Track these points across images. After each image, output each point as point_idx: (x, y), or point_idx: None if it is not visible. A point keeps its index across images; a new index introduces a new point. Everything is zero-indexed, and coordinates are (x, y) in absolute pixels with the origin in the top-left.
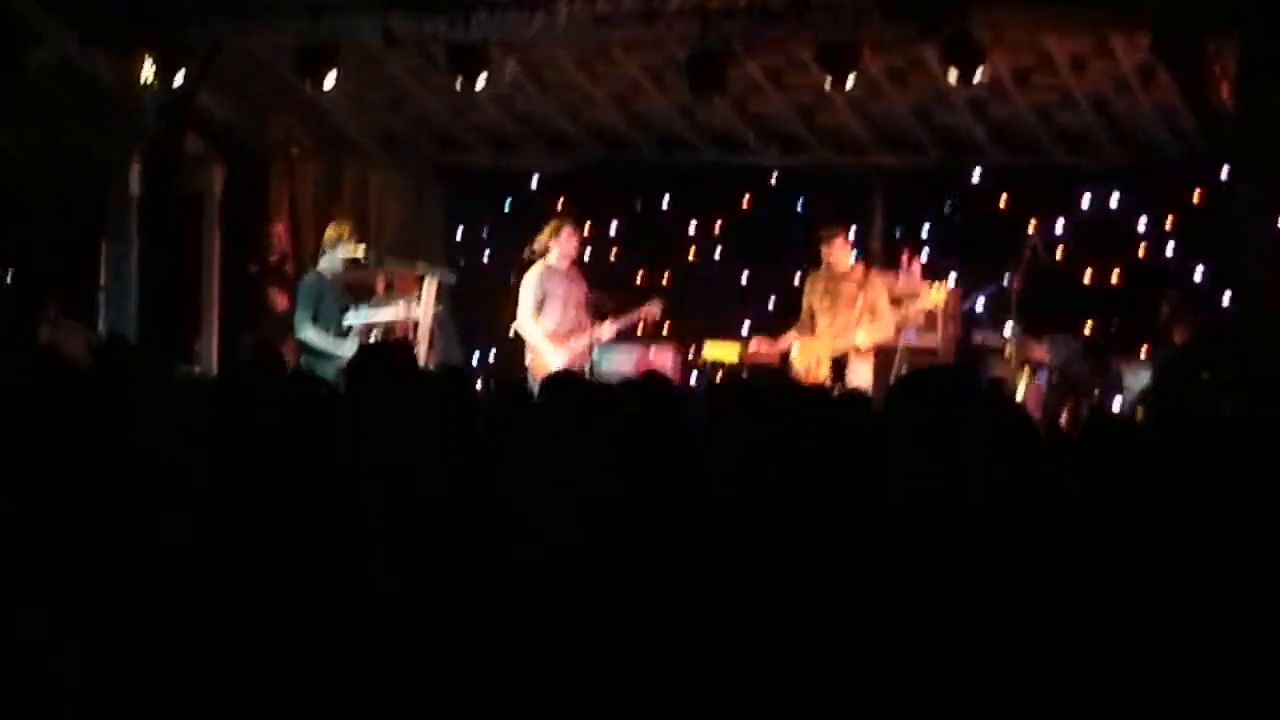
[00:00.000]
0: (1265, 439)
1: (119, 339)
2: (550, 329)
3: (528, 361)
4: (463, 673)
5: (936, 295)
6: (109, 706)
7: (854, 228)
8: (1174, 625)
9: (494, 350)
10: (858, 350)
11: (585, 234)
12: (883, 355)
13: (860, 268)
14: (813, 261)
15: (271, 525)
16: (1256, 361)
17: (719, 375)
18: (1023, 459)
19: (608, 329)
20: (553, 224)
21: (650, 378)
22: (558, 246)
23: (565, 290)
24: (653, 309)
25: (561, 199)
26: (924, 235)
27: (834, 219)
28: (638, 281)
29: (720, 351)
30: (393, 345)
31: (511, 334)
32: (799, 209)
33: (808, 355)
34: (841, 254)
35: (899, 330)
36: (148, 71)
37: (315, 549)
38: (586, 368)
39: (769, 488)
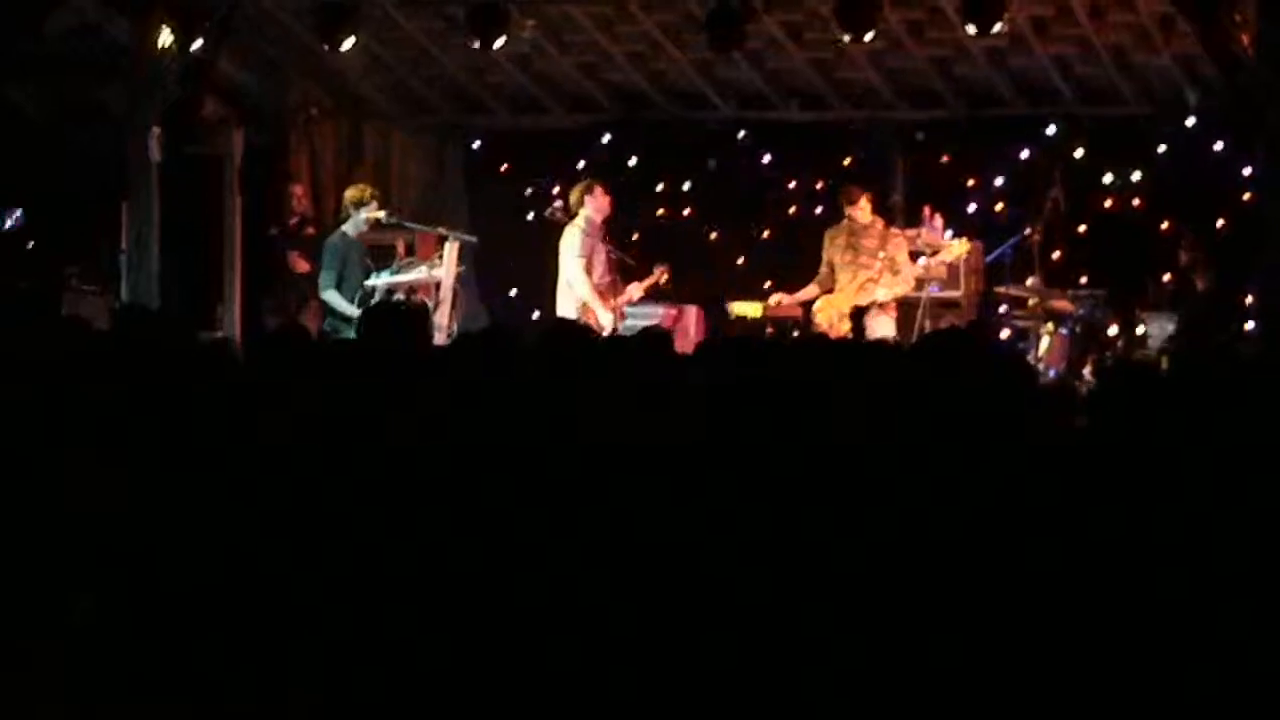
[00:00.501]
0: None
1: (138, 306)
2: (596, 285)
3: (578, 318)
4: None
5: (959, 248)
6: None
7: (873, 183)
8: (1194, 581)
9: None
10: (879, 305)
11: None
12: (905, 308)
13: (880, 222)
14: (834, 216)
15: (304, 494)
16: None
17: (739, 330)
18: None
19: (636, 290)
20: (583, 184)
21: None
22: (591, 206)
23: (600, 250)
24: (661, 272)
25: (583, 159)
26: (944, 188)
27: (855, 174)
28: (657, 239)
29: (744, 308)
30: (404, 307)
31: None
32: (821, 164)
33: (829, 310)
34: (862, 209)
35: (922, 284)
36: (166, 35)
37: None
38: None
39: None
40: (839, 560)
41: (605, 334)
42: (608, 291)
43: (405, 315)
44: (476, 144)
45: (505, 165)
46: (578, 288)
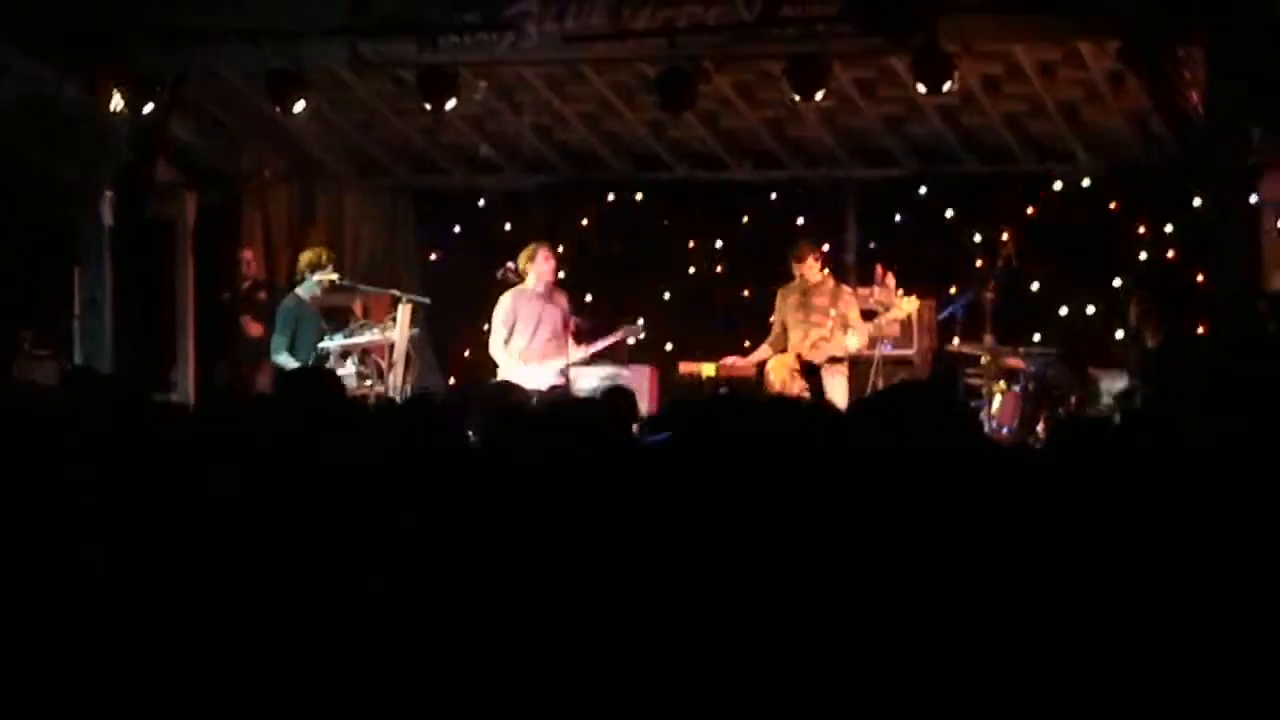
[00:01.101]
0: (1239, 443)
1: (89, 369)
2: (521, 350)
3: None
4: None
5: (909, 305)
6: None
7: (826, 242)
8: (1146, 626)
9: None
10: (833, 361)
11: (560, 253)
12: (858, 367)
13: (831, 280)
14: (784, 275)
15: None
16: (1233, 365)
17: (694, 392)
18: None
19: (581, 352)
20: (529, 248)
21: (614, 394)
22: (533, 270)
23: (539, 313)
24: (632, 330)
25: (534, 219)
26: (897, 247)
27: (808, 232)
28: (615, 300)
29: (695, 369)
30: (319, 370)
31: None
32: (773, 223)
33: (781, 369)
34: (812, 268)
35: (874, 342)
36: (117, 100)
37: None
38: (565, 387)
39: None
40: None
41: (540, 392)
42: (548, 352)
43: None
44: (429, 205)
45: (458, 226)
46: (494, 353)
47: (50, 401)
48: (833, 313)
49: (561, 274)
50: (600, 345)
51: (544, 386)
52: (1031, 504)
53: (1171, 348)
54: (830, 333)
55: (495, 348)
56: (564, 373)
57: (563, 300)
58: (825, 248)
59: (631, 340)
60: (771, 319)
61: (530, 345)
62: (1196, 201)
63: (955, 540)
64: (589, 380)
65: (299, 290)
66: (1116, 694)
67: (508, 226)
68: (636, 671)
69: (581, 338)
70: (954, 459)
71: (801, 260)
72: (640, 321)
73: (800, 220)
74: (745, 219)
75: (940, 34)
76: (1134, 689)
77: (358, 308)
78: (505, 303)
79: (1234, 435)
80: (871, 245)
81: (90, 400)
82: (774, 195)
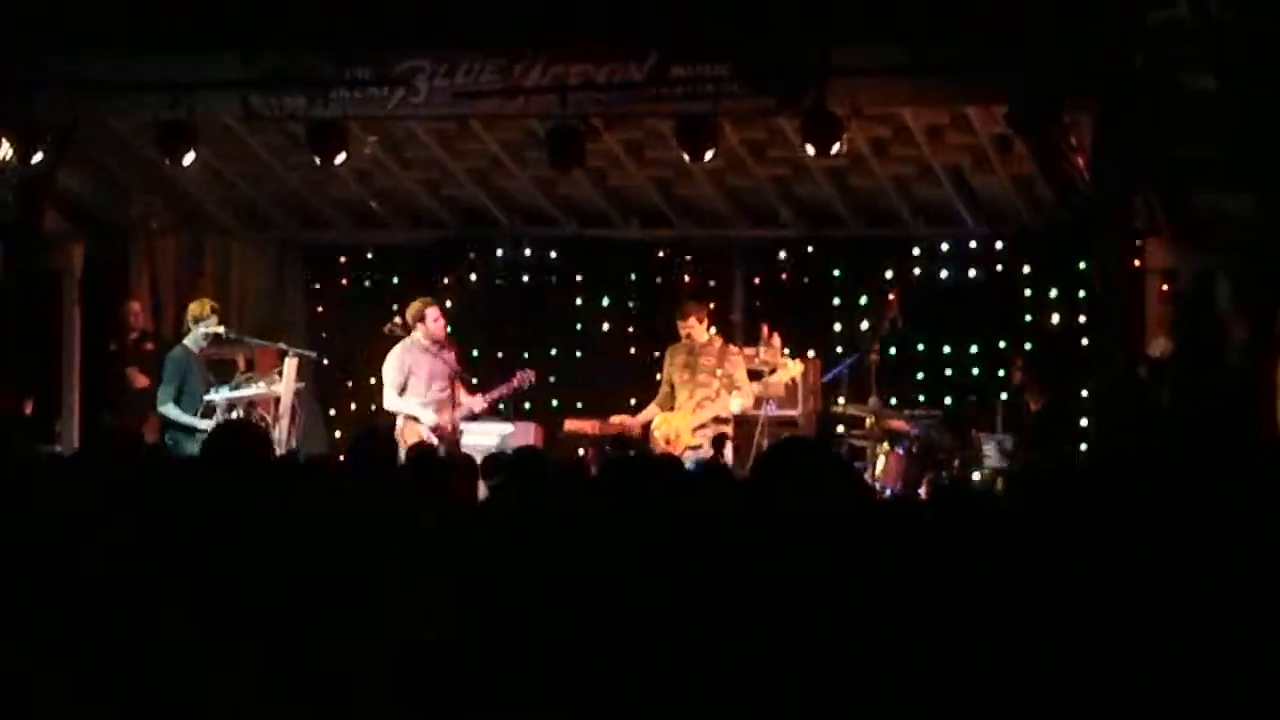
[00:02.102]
0: (1117, 506)
1: None
2: (422, 403)
3: (397, 433)
4: None
5: (794, 368)
6: None
7: (713, 301)
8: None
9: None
10: (720, 420)
11: (448, 307)
12: (743, 427)
13: (719, 340)
14: (672, 334)
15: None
16: (1111, 426)
17: (588, 451)
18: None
19: (478, 402)
20: (416, 304)
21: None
22: (421, 326)
23: (429, 366)
24: (526, 376)
25: (422, 274)
26: (784, 307)
27: (696, 291)
28: (502, 355)
29: (579, 425)
30: (246, 424)
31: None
32: (661, 282)
33: (666, 427)
34: (698, 328)
35: (760, 402)
36: (5, 148)
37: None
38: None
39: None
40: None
41: (432, 442)
42: (440, 404)
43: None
44: (318, 259)
45: (346, 280)
46: (389, 405)
47: None
48: (719, 373)
49: (449, 329)
50: (497, 394)
51: (438, 436)
52: (911, 563)
53: (1052, 412)
54: (716, 393)
55: (390, 400)
56: (456, 425)
57: (451, 355)
58: (711, 306)
59: (525, 386)
60: (659, 377)
61: (424, 398)
62: (1081, 265)
63: (848, 594)
64: (478, 437)
65: (186, 341)
66: None
67: (395, 281)
68: None
69: (474, 390)
70: (844, 518)
71: (685, 319)
72: (528, 372)
73: (687, 279)
74: (633, 277)
75: (830, 96)
76: None
77: (241, 360)
78: (396, 355)
79: (1115, 502)
80: (758, 305)
81: None
82: (661, 254)
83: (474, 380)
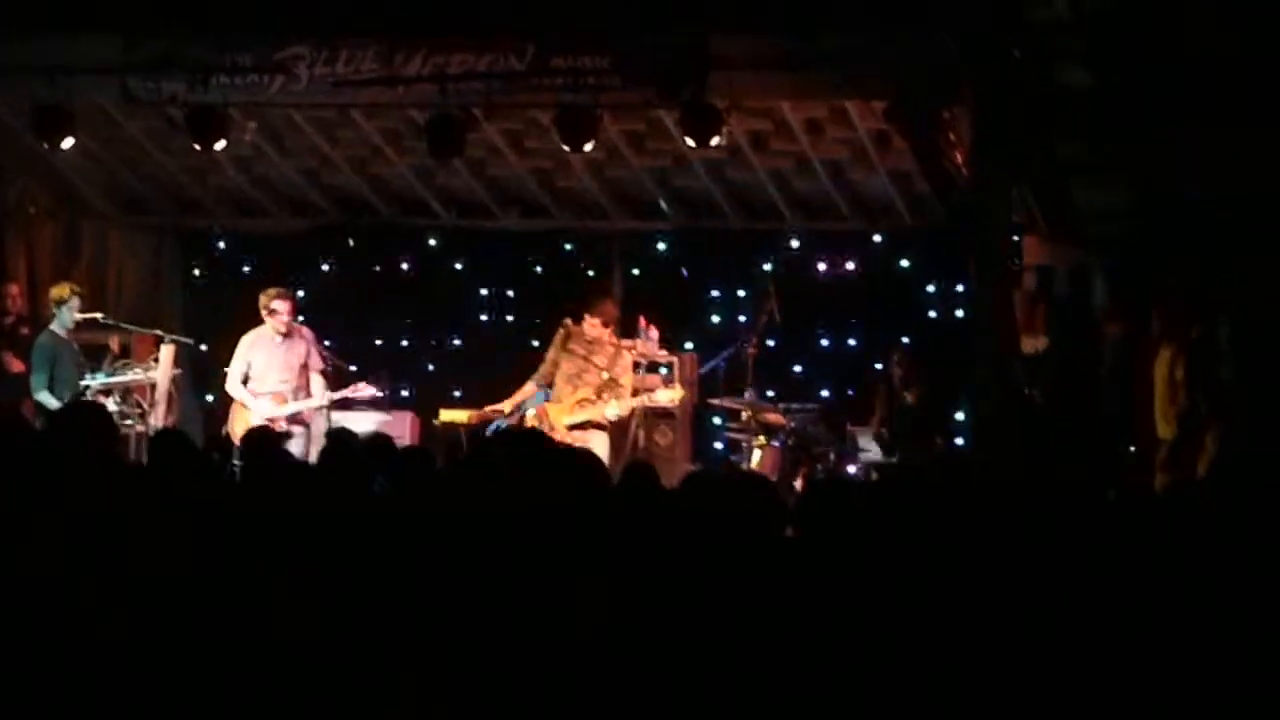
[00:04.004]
0: (989, 498)
1: None
2: (259, 391)
3: (229, 420)
4: None
5: (675, 394)
6: None
7: (589, 292)
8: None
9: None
10: (600, 423)
11: (324, 295)
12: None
13: (610, 337)
14: (554, 325)
15: None
16: (985, 420)
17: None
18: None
19: (324, 394)
20: (268, 292)
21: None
22: (270, 318)
23: (271, 356)
24: (378, 382)
25: (300, 262)
26: (662, 299)
27: (574, 283)
28: (381, 343)
29: (455, 415)
30: (90, 405)
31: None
32: (539, 273)
33: (544, 419)
34: (596, 324)
35: (636, 393)
36: None
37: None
38: (311, 428)
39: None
40: None
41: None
42: (284, 394)
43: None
44: (196, 246)
45: (223, 267)
46: (230, 389)
47: None
48: (605, 376)
49: (326, 319)
50: (341, 395)
51: (273, 422)
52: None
53: (927, 406)
54: (596, 395)
55: (232, 385)
56: (311, 414)
57: (302, 348)
58: (607, 300)
59: (374, 394)
60: (548, 353)
61: (265, 386)
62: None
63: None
64: (355, 425)
65: (52, 326)
66: None
67: (272, 269)
68: None
69: (339, 379)
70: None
71: (593, 314)
72: (380, 376)
73: (566, 270)
74: (512, 267)
75: (710, 89)
76: None
77: (115, 345)
78: (244, 343)
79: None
80: (636, 297)
81: None
82: (542, 245)
83: (352, 368)
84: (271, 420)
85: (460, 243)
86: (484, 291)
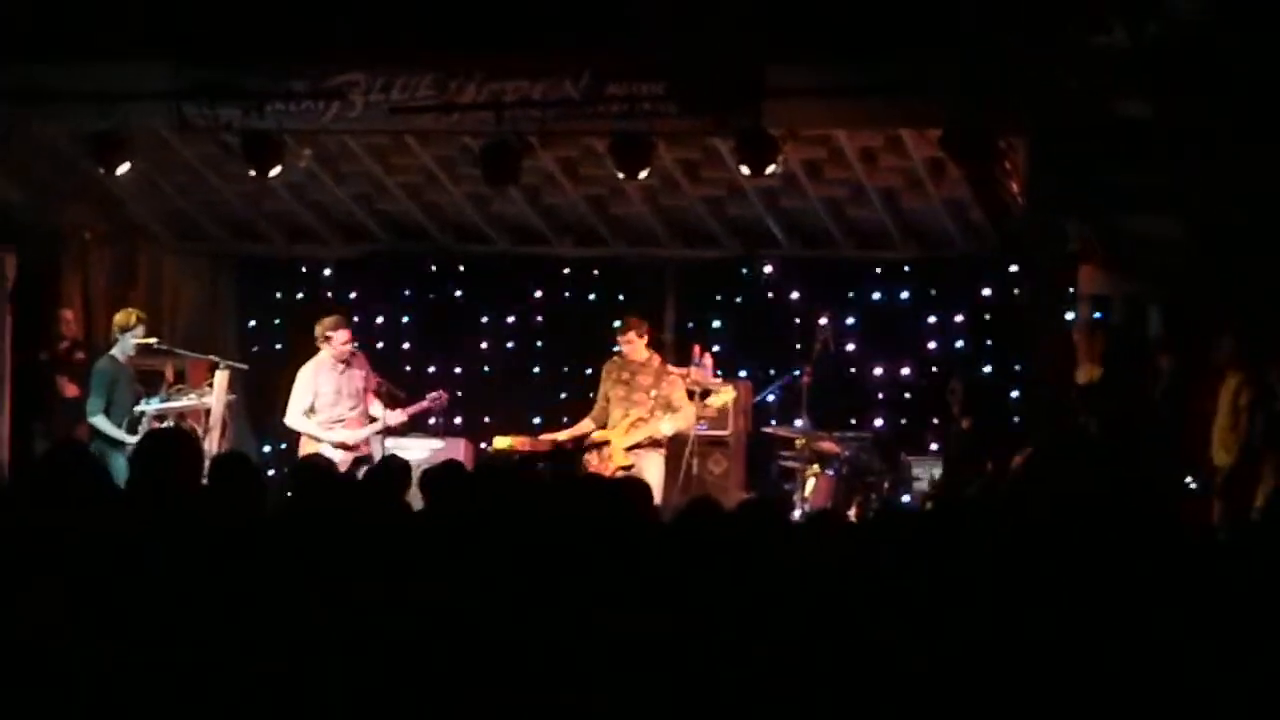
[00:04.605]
0: (1038, 531)
1: None
2: (322, 420)
3: (301, 451)
4: None
5: (727, 395)
6: None
7: (647, 320)
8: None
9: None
10: (657, 440)
11: (380, 321)
12: (674, 445)
13: (656, 359)
14: (607, 352)
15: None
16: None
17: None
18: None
19: (397, 416)
20: (325, 321)
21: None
22: (328, 346)
23: (336, 384)
24: (438, 399)
25: (356, 288)
26: (716, 327)
27: (628, 311)
28: (433, 370)
29: (505, 443)
30: (177, 433)
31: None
32: (593, 300)
33: (603, 449)
34: (637, 344)
35: (692, 421)
36: None
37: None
38: (376, 455)
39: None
40: None
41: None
42: (349, 420)
43: (178, 442)
44: (250, 270)
45: (278, 292)
46: (292, 423)
47: None
48: (654, 394)
49: (380, 344)
50: (412, 410)
51: (344, 453)
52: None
53: (981, 435)
54: (650, 413)
55: (291, 418)
56: (371, 440)
57: (360, 373)
58: (644, 326)
59: (437, 406)
60: (593, 395)
61: (332, 414)
62: (1016, 290)
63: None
64: (407, 453)
65: (113, 352)
66: None
67: (329, 294)
68: None
69: (393, 402)
70: None
71: (625, 333)
72: (442, 392)
73: (621, 298)
74: (566, 295)
75: (765, 117)
76: None
77: (170, 372)
78: (304, 374)
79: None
80: (690, 325)
81: None
82: (595, 272)
83: (402, 394)
84: (344, 446)
85: (515, 270)
86: (539, 319)
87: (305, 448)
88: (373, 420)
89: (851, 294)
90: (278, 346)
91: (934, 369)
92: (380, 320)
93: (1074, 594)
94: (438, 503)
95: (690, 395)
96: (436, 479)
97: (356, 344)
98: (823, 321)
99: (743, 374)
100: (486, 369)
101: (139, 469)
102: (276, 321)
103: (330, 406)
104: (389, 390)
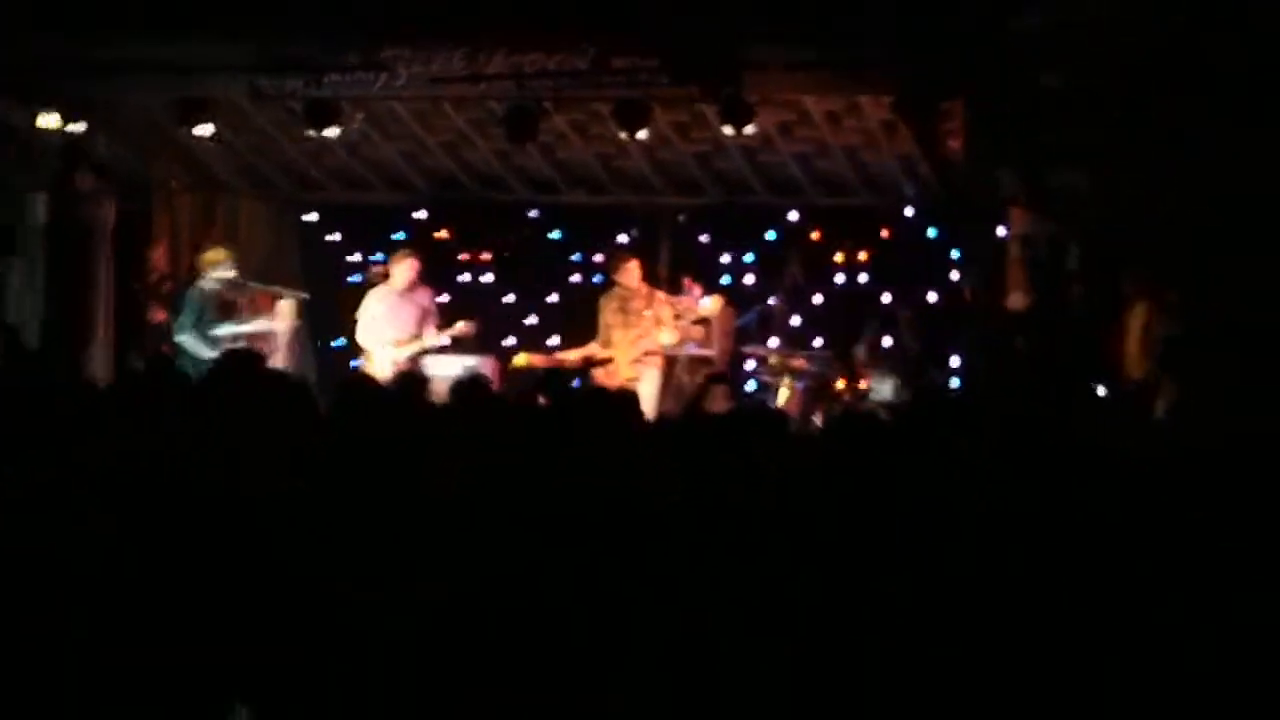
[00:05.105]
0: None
1: (20, 344)
2: (390, 337)
3: (362, 363)
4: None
5: (712, 304)
6: None
7: (645, 257)
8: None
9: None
10: (650, 353)
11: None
12: (667, 362)
13: (646, 286)
14: (606, 284)
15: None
16: (979, 360)
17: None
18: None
19: (434, 338)
20: (398, 253)
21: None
22: (396, 273)
23: (399, 307)
24: (465, 328)
25: (400, 230)
26: (703, 263)
27: (630, 249)
28: (467, 299)
29: (527, 360)
30: (250, 353)
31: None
32: (601, 241)
33: (611, 361)
34: (630, 275)
35: (682, 342)
36: (49, 119)
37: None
38: (419, 369)
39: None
40: None
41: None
42: (405, 339)
43: (249, 360)
44: (311, 216)
45: (336, 234)
46: (359, 338)
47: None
48: (647, 314)
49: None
50: (449, 333)
51: (396, 365)
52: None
53: (930, 352)
54: (646, 330)
55: (363, 336)
56: (417, 356)
57: (424, 297)
58: (636, 260)
59: (469, 332)
60: (600, 322)
61: (396, 332)
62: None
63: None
64: (449, 368)
65: (201, 283)
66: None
67: (379, 236)
68: None
69: (444, 327)
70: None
71: (620, 267)
72: (470, 323)
73: (623, 238)
74: (579, 236)
75: (744, 86)
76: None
77: (244, 301)
78: (370, 299)
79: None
80: (681, 262)
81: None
82: (604, 216)
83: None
84: (397, 362)
85: (553, 216)
86: (556, 254)
87: (368, 361)
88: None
89: (815, 236)
90: (333, 279)
91: (887, 298)
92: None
93: (1010, 490)
94: (462, 407)
95: (680, 318)
96: (463, 386)
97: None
98: (794, 257)
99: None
100: (508, 298)
101: (215, 381)
102: (332, 258)
103: (395, 325)
104: (435, 317)
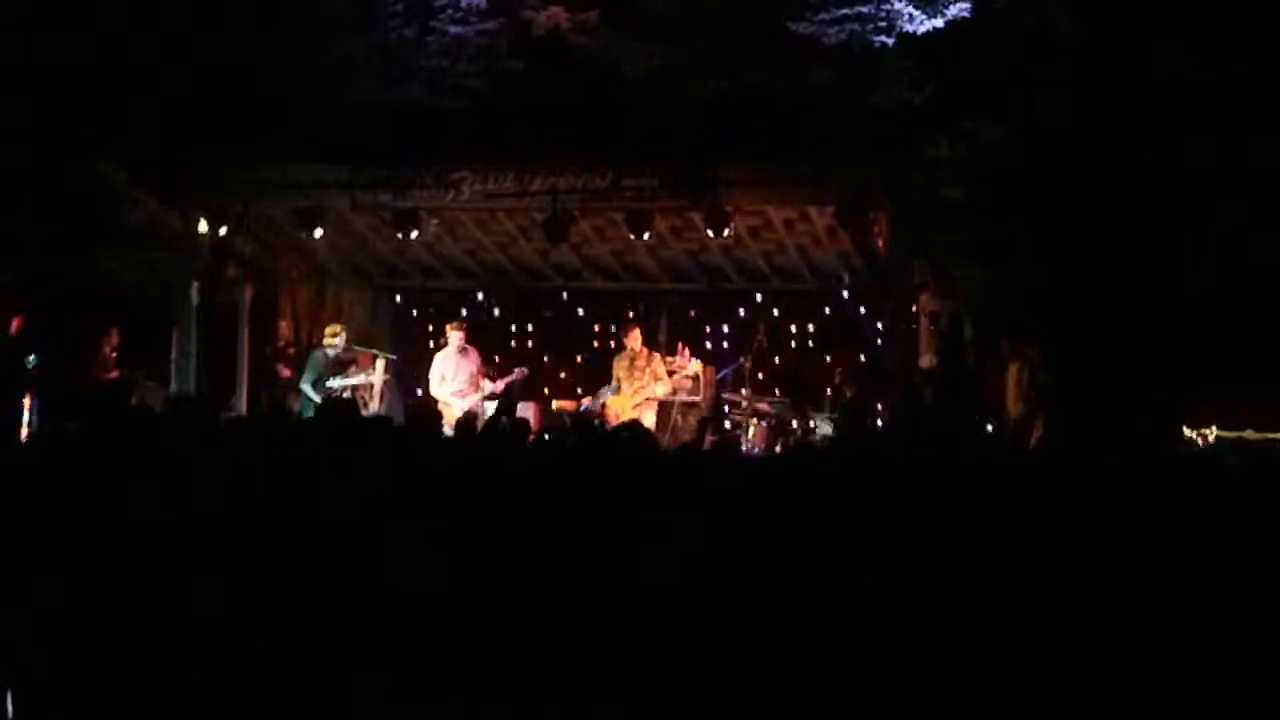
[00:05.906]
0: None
1: (185, 395)
2: (452, 390)
3: (440, 408)
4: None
5: (696, 366)
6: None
7: (646, 328)
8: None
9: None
10: (653, 399)
11: (485, 330)
12: (664, 406)
13: (646, 350)
14: (618, 347)
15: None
16: (898, 405)
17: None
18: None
19: (490, 386)
20: (448, 326)
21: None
22: (449, 341)
23: (456, 366)
24: (522, 371)
25: (463, 308)
26: (692, 334)
27: (633, 321)
28: (513, 360)
29: (561, 405)
30: (342, 400)
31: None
32: (614, 317)
33: (618, 407)
34: (635, 340)
35: (675, 391)
36: (202, 224)
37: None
38: (482, 412)
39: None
40: None
41: (459, 416)
42: (465, 390)
43: (345, 404)
44: (398, 297)
45: (415, 312)
46: (433, 392)
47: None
48: (648, 371)
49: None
50: (504, 380)
51: (461, 410)
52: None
53: (861, 400)
54: (646, 383)
55: (433, 387)
56: (480, 402)
57: (474, 356)
58: (639, 329)
59: (521, 377)
60: (613, 371)
61: (456, 387)
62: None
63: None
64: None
65: (323, 348)
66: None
67: (448, 313)
68: None
69: (494, 378)
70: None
71: (627, 334)
72: (524, 368)
73: (632, 314)
74: (598, 312)
75: (722, 198)
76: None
77: (348, 362)
78: (436, 361)
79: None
80: (676, 332)
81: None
82: (618, 300)
83: (497, 373)
84: (463, 408)
85: (570, 298)
86: (584, 327)
87: (445, 410)
88: (479, 389)
89: (777, 311)
90: (414, 345)
91: (827, 358)
92: (485, 330)
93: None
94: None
95: (674, 373)
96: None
97: (466, 340)
98: (760, 328)
99: (708, 363)
100: (546, 359)
101: (321, 419)
102: (414, 330)
103: (453, 380)
104: (487, 372)
